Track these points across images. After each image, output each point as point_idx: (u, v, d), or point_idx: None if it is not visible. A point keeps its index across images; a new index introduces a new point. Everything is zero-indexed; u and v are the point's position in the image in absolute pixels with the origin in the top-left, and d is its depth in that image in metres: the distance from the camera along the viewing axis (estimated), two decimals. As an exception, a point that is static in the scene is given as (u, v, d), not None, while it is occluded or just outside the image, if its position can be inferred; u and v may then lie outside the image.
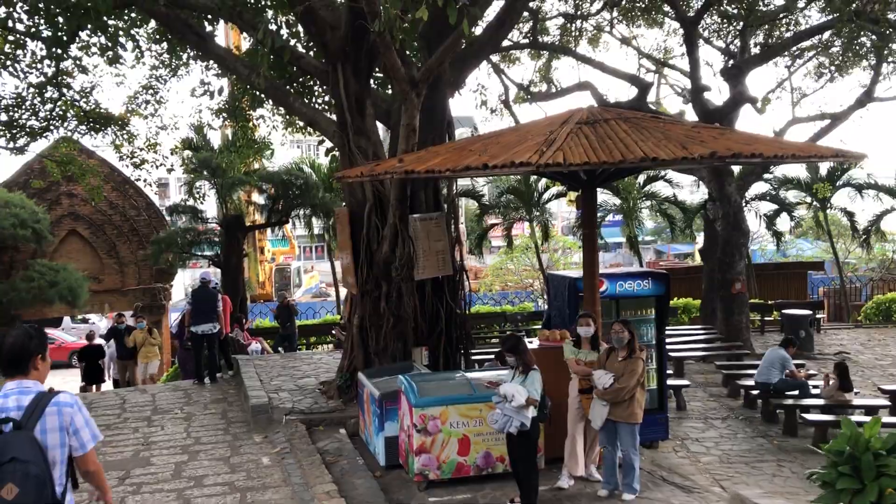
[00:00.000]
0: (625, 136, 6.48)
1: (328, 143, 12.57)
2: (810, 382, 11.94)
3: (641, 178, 25.63)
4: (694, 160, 5.83)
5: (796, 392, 11.60)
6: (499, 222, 26.85)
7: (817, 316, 19.49)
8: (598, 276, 8.38)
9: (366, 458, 8.73)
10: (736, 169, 18.43)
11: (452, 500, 7.52)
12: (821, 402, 11.15)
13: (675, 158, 5.81)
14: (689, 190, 37.46)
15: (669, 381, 11.23)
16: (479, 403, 7.89)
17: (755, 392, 12.02)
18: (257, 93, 14.01)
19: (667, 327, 10.91)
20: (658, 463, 9.40)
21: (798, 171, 25.97)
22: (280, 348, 18.53)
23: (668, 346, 11.21)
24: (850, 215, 26.19)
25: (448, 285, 11.10)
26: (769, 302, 21.16)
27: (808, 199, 26.04)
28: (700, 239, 26.62)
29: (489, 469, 7.96)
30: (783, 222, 27.22)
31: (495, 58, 19.48)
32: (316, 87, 14.54)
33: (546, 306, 17.78)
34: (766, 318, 20.68)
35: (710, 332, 17.89)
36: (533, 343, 8.92)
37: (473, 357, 12.43)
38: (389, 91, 12.77)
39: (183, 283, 36.84)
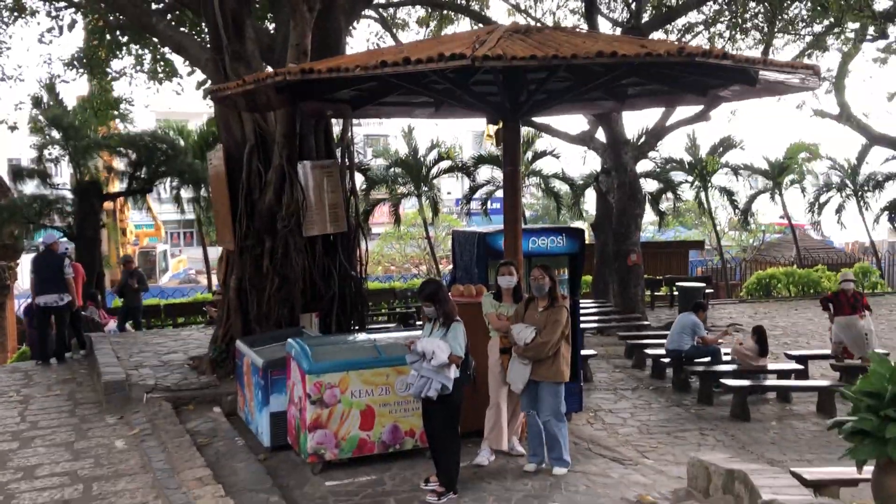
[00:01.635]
0: (566, 39, 5.44)
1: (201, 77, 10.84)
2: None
3: (529, 154, 25.09)
4: (659, 57, 4.86)
5: (708, 359, 11.08)
6: (386, 197, 25.56)
7: (707, 290, 19.47)
8: (520, 221, 7.33)
9: (247, 439, 7.32)
10: (632, 137, 18.03)
11: (354, 484, 6.27)
12: (734, 367, 10.65)
13: (637, 54, 4.82)
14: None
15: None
16: (385, 368, 6.67)
17: (666, 360, 11.43)
18: (117, 33, 12.11)
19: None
20: (578, 435, 8.51)
21: (681, 152, 26.30)
22: (128, 324, 15.84)
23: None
24: (729, 194, 26.72)
25: (342, 244, 9.77)
26: (658, 277, 21.04)
27: (690, 179, 26.38)
28: (580, 223, 26.59)
29: (397, 445, 6.76)
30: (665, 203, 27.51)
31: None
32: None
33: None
34: (656, 293, 20.55)
35: (605, 305, 17.43)
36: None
37: (371, 329, 11.17)
38: (273, 27, 11.24)
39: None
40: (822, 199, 26.63)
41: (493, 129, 7.32)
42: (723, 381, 9.76)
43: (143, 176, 21.39)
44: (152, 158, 20.78)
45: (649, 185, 25.66)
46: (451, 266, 11.09)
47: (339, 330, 9.60)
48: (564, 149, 24.53)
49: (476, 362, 6.28)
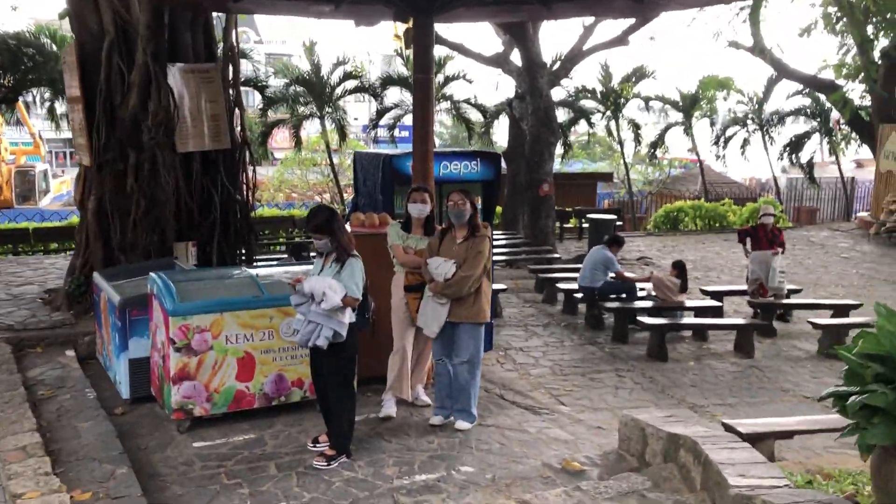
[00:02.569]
0: None
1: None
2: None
3: (440, 77, 23.83)
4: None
5: (623, 295, 10.50)
6: (286, 118, 23.82)
7: (618, 223, 19.09)
8: (432, 139, 6.30)
9: (100, 391, 6.17)
10: (548, 60, 17.09)
11: (228, 444, 5.28)
12: (649, 304, 10.12)
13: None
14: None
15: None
16: (268, 309, 5.62)
17: (579, 296, 10.80)
18: None
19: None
20: (489, 378, 7.75)
21: (594, 82, 25.63)
22: None
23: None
24: (636, 127, 26.37)
25: (225, 163, 8.50)
26: (568, 208, 20.52)
27: (602, 109, 25.83)
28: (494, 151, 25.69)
29: (282, 398, 5.78)
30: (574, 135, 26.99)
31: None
32: None
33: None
34: (565, 226, 20.06)
35: (515, 237, 16.75)
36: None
37: (258, 262, 10.03)
38: None
39: None
40: (729, 132, 26.64)
41: (401, 28, 6.20)
42: (640, 319, 9.18)
43: (7, 83, 19.04)
44: (16, 64, 18.47)
45: (561, 115, 24.97)
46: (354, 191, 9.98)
47: (222, 262, 8.43)
48: (478, 74, 23.44)
49: (377, 303, 5.34)
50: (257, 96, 24.94)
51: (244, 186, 8.79)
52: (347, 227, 6.52)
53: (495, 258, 13.94)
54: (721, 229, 21.57)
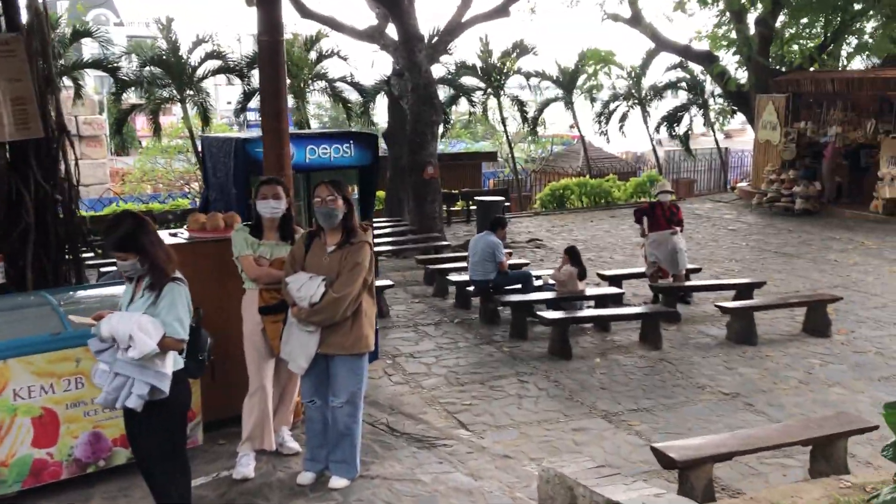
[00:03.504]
0: None
1: None
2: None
3: (313, 54, 22.31)
4: None
5: (519, 286, 9.61)
6: (143, 103, 21.65)
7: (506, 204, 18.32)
8: (286, 117, 5.06)
9: None
10: (426, 35, 15.98)
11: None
12: (549, 295, 9.27)
13: None
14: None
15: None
16: (73, 349, 4.26)
17: (471, 289, 9.82)
18: None
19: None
20: (374, 399, 6.64)
21: (473, 58, 24.77)
22: None
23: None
24: (520, 104, 25.77)
25: (38, 155, 6.90)
26: (454, 190, 19.59)
27: (483, 86, 25.02)
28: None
29: (101, 462, 4.45)
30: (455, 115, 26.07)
31: None
32: None
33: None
34: (452, 208, 19.14)
35: (399, 224, 15.65)
36: (178, 235, 5.36)
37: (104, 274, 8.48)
38: None
39: None
40: (611, 107, 26.47)
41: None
42: (540, 314, 8.28)
43: None
44: None
45: (441, 93, 23.96)
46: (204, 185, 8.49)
47: (43, 280, 6.86)
48: (353, 51, 22.14)
49: (229, 330, 4.10)
50: (108, 78, 22.55)
51: (66, 183, 7.22)
52: (185, 232, 5.22)
53: (379, 249, 12.80)
54: (607, 205, 21.26)
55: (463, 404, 6.82)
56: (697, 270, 11.03)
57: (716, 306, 8.92)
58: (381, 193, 18.73)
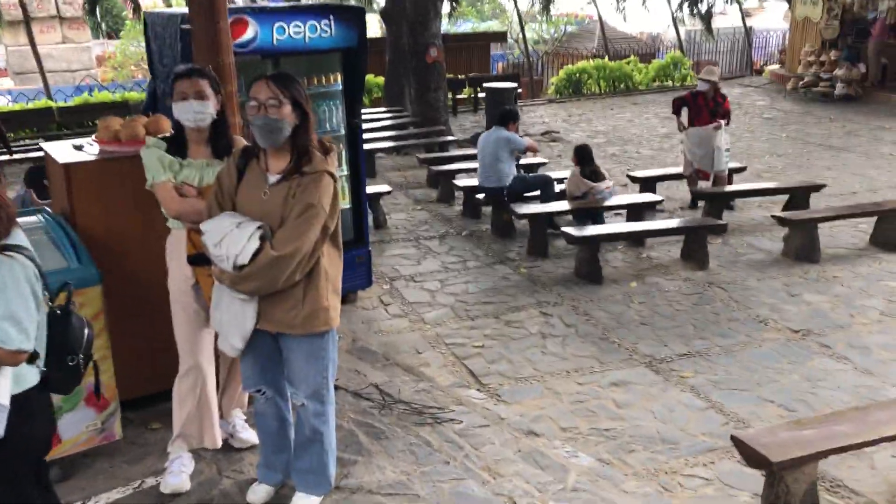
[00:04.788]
0: None
1: None
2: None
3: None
4: None
5: (538, 192, 8.21)
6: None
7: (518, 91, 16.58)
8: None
9: None
10: None
11: None
12: (568, 206, 7.88)
13: None
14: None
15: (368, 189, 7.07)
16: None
17: (481, 196, 8.43)
18: None
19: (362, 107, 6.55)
20: (365, 342, 5.40)
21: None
22: None
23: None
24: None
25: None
26: (460, 76, 17.78)
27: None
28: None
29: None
30: None
31: None
32: None
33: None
34: (458, 96, 17.41)
35: (401, 115, 14.04)
36: (84, 149, 3.89)
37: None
38: None
39: None
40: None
41: None
42: (565, 230, 6.89)
43: None
44: None
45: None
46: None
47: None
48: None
49: (153, 275, 2.76)
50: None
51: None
52: (94, 143, 3.79)
53: (377, 145, 11.32)
54: (627, 91, 19.50)
55: (474, 346, 5.59)
56: (742, 170, 9.57)
57: (773, 217, 7.53)
58: (379, 80, 17.01)
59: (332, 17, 5.67)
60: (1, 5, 18.86)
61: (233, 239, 2.75)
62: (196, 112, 3.12)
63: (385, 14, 15.72)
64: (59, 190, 3.59)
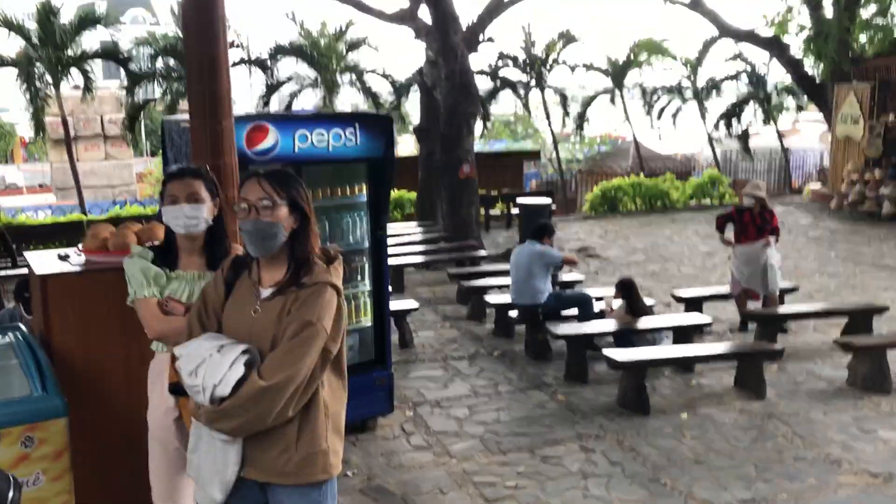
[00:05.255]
0: None
1: None
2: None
3: (341, 45, 20.63)
4: None
5: (575, 310, 7.68)
6: (157, 98, 20.16)
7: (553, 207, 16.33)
8: (227, 75, 3.21)
9: None
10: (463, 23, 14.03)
11: None
12: (611, 326, 7.31)
13: None
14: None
15: (392, 306, 6.62)
16: None
17: (514, 314, 7.92)
18: None
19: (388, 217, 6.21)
20: (378, 482, 4.79)
21: (516, 49, 22.83)
22: None
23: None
24: (563, 97, 23.74)
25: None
26: (493, 192, 17.64)
27: (525, 79, 23.06)
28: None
29: None
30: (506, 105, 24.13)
31: None
32: None
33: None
34: (492, 213, 17.19)
35: (432, 229, 13.79)
36: (68, 258, 3.50)
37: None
38: None
39: None
40: (663, 101, 24.28)
41: None
42: (607, 353, 6.31)
43: None
44: None
45: (480, 86, 22.08)
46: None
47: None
48: (383, 42, 20.42)
49: (138, 406, 2.26)
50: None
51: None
52: (82, 254, 3.40)
53: (408, 261, 10.98)
54: (664, 209, 19.15)
55: (506, 486, 4.93)
56: (794, 290, 8.98)
57: (835, 343, 6.87)
58: (411, 195, 16.93)
59: (357, 125, 5.42)
60: (49, 125, 19.51)
61: (212, 365, 2.27)
62: (188, 217, 2.73)
63: (418, 131, 15.80)
64: (37, 304, 3.19)
